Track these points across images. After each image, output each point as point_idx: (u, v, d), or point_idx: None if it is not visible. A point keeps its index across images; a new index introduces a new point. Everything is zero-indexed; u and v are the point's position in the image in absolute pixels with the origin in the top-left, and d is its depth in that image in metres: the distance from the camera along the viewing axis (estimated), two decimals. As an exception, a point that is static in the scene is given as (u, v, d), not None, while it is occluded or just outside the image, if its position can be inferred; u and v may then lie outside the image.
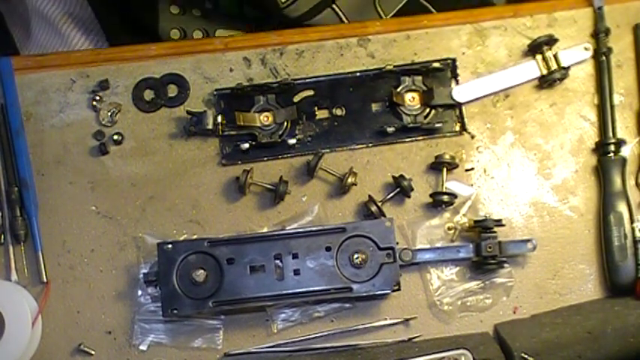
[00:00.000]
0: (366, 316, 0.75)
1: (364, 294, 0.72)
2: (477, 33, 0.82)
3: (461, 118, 0.80)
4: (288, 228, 0.76)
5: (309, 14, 0.85)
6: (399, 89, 0.80)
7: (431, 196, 0.77)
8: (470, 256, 0.75)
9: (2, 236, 0.76)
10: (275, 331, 0.75)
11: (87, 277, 0.76)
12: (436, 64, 0.80)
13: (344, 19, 0.87)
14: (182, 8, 0.90)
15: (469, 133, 0.80)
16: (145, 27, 0.91)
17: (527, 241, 0.75)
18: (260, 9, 0.88)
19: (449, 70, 0.81)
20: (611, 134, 0.79)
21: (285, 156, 0.79)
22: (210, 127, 0.76)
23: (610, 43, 0.81)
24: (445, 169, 0.78)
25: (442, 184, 0.78)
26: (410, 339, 0.75)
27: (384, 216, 0.76)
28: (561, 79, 0.81)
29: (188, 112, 0.78)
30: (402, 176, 0.77)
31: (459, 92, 0.80)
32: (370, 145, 0.79)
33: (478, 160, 0.80)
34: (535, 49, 0.81)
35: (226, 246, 0.72)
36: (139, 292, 0.75)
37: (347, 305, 0.75)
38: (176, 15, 0.90)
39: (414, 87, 0.80)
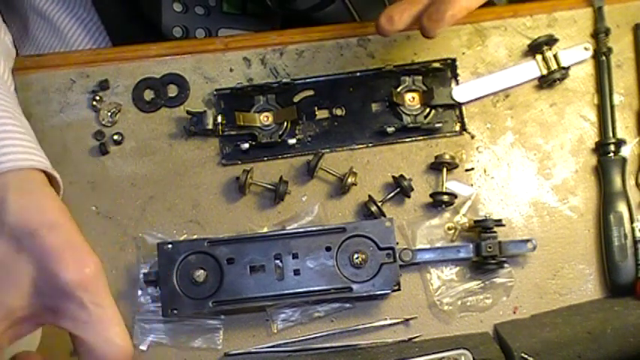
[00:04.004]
0: (366, 316, 0.75)
1: (364, 294, 0.72)
2: (477, 33, 0.82)
3: (461, 118, 0.80)
4: (288, 228, 0.76)
5: (318, 7, 0.84)
6: (399, 89, 0.80)
7: (431, 196, 0.77)
8: (470, 256, 0.75)
9: (2, 236, 0.76)
10: (275, 331, 0.75)
11: (87, 277, 0.76)
12: (436, 64, 0.80)
13: (354, 12, 0.86)
14: (185, 6, 0.90)
15: (469, 133, 0.80)
16: (148, 25, 0.90)
17: (527, 241, 0.75)
18: (269, 3, 0.87)
19: (449, 70, 0.81)
20: (611, 134, 0.79)
21: (285, 156, 0.79)
22: (210, 127, 0.76)
23: (610, 43, 0.81)
24: (445, 169, 0.78)
25: (442, 184, 0.78)
26: (410, 339, 0.75)
27: (384, 216, 0.76)
28: (561, 79, 0.81)
29: (188, 112, 0.78)
30: (402, 176, 0.77)
31: (459, 92, 0.80)
32: (370, 145, 0.79)
33: (478, 160, 0.80)
34: (535, 49, 0.81)
35: (226, 246, 0.72)
36: (139, 292, 0.75)
37: (347, 305, 0.75)
38: (179, 13, 0.90)
39: (414, 87, 0.80)
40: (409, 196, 0.78)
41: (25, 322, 0.53)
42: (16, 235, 0.50)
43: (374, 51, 0.82)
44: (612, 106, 0.80)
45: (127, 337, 0.52)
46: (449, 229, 0.78)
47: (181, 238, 0.76)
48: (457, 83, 0.81)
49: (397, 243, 0.73)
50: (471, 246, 0.75)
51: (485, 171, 0.79)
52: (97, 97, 0.79)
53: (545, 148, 0.80)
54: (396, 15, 0.65)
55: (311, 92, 0.80)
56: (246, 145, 0.77)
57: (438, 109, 0.80)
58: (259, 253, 0.72)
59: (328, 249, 0.72)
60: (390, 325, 0.75)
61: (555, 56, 0.80)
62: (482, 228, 0.74)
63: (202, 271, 0.71)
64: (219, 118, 0.77)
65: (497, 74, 0.81)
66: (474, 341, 0.72)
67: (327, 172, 0.78)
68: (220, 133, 0.78)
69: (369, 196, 0.77)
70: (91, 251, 0.52)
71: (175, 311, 0.71)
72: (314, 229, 0.73)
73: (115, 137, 0.78)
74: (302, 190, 0.78)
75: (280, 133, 0.79)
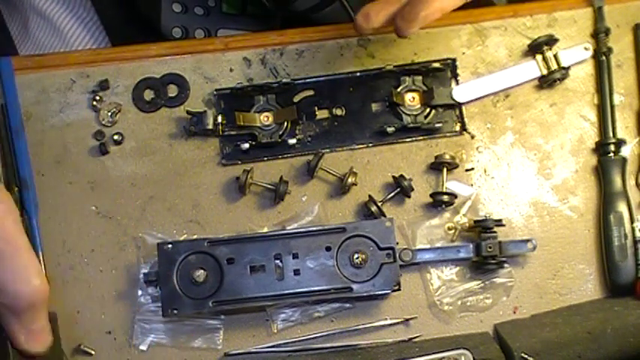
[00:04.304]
0: (366, 316, 0.75)
1: (364, 294, 0.72)
2: (477, 33, 0.82)
3: (461, 118, 0.80)
4: (288, 228, 0.76)
5: (317, 7, 0.85)
6: (399, 89, 0.80)
7: (431, 196, 0.77)
8: (470, 256, 0.75)
9: (2, 236, 0.76)
10: (275, 331, 0.75)
11: (87, 277, 0.76)
12: (436, 64, 0.80)
13: (352, 13, 0.86)
14: (184, 7, 0.90)
15: (469, 133, 0.80)
16: (147, 25, 0.91)
17: (527, 241, 0.75)
18: (267, 4, 0.88)
19: (449, 70, 0.81)
20: (611, 134, 0.79)
21: (285, 156, 0.79)
22: (210, 127, 0.76)
23: (610, 43, 0.81)
24: (445, 169, 0.78)
25: (442, 184, 0.78)
26: (410, 339, 0.75)
27: (384, 216, 0.76)
28: (561, 79, 0.81)
29: (188, 112, 0.78)
30: (402, 176, 0.77)
31: (459, 92, 0.80)
32: (370, 145, 0.79)
33: (478, 160, 0.80)
34: (535, 49, 0.81)
35: (226, 246, 0.72)
36: (139, 292, 0.75)
37: (347, 305, 0.75)
38: (178, 13, 0.90)
39: (414, 87, 0.80)
40: (409, 196, 0.78)
41: None
42: None
43: (374, 51, 0.82)
44: (612, 106, 0.80)
45: (41, 274, 0.50)
46: (449, 229, 0.78)
47: (181, 238, 0.76)
48: (457, 83, 0.81)
49: (397, 243, 0.73)
50: (471, 246, 0.75)
51: (485, 171, 0.79)
52: (97, 97, 0.79)
53: (545, 148, 0.80)
54: (373, 13, 0.65)
55: (311, 92, 0.80)
56: (246, 145, 0.77)
57: (438, 109, 0.80)
58: (259, 253, 0.72)
59: (328, 249, 0.72)
60: (390, 325, 0.75)
61: (555, 56, 0.80)
62: (482, 228, 0.74)
63: (202, 271, 0.71)
64: (219, 118, 0.77)
65: (498, 74, 0.81)
66: (474, 341, 0.72)
67: (327, 172, 0.78)
68: (220, 133, 0.78)
69: (369, 196, 0.77)
70: (2, 188, 0.51)
71: (175, 311, 0.71)
72: (314, 229, 0.73)
73: (115, 137, 0.78)
74: (302, 190, 0.78)
75: (280, 133, 0.79)
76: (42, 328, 0.51)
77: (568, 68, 0.80)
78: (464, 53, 0.82)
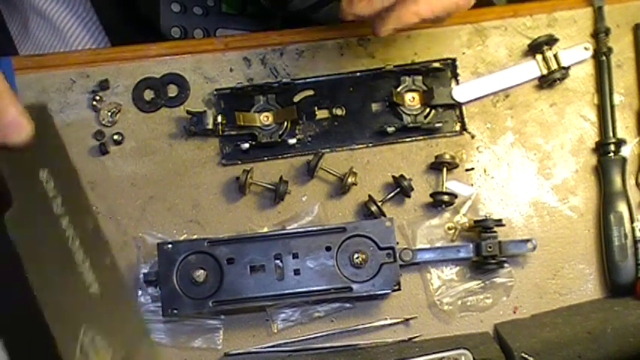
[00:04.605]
0: (366, 316, 0.75)
1: (364, 294, 0.72)
2: (477, 33, 0.82)
3: (461, 118, 0.80)
4: (288, 228, 0.76)
5: (316, 6, 0.85)
6: (399, 89, 0.80)
7: (431, 196, 0.77)
8: (470, 256, 0.75)
9: (2, 236, 0.76)
10: (275, 331, 0.75)
11: (87, 277, 0.76)
12: (436, 64, 0.80)
13: None
14: (183, 6, 0.90)
15: (469, 133, 0.80)
16: (147, 25, 0.91)
17: (527, 241, 0.75)
18: (265, 3, 0.88)
19: (449, 70, 0.81)
20: (611, 134, 0.79)
21: (285, 156, 0.79)
22: (210, 127, 0.76)
23: (610, 43, 0.81)
24: (445, 169, 0.78)
25: (442, 184, 0.78)
26: (410, 339, 0.75)
27: (384, 216, 0.76)
28: (561, 79, 0.81)
29: (188, 112, 0.78)
30: (402, 176, 0.77)
31: (459, 92, 0.80)
32: (370, 145, 0.79)
33: (478, 160, 0.80)
34: (535, 49, 0.81)
35: (226, 246, 0.72)
36: (139, 292, 0.75)
37: (347, 305, 0.75)
38: (177, 13, 0.90)
39: (414, 87, 0.80)
40: (409, 196, 0.78)
41: None
42: None
43: (374, 51, 0.82)
44: (612, 106, 0.80)
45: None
46: (449, 229, 0.78)
47: (181, 238, 0.76)
48: (457, 83, 0.81)
49: (397, 243, 0.73)
50: (471, 246, 0.75)
51: (485, 171, 0.79)
52: (97, 97, 0.79)
53: (545, 148, 0.80)
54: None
55: (311, 92, 0.80)
56: (246, 145, 0.77)
57: (438, 108, 0.80)
58: (259, 253, 0.72)
59: (328, 249, 0.72)
60: (390, 325, 0.75)
61: (555, 56, 0.80)
62: (482, 228, 0.74)
63: (202, 271, 0.71)
64: (219, 118, 0.77)
65: (498, 74, 0.81)
66: (474, 341, 0.72)
67: (327, 172, 0.78)
68: (220, 133, 0.78)
69: (369, 196, 0.77)
70: None
71: (175, 311, 0.71)
72: (314, 229, 0.73)
73: (115, 137, 0.78)
74: (302, 190, 0.78)
75: (280, 133, 0.79)
76: (14, 118, 0.48)
77: (568, 68, 0.80)
78: (464, 53, 0.82)
